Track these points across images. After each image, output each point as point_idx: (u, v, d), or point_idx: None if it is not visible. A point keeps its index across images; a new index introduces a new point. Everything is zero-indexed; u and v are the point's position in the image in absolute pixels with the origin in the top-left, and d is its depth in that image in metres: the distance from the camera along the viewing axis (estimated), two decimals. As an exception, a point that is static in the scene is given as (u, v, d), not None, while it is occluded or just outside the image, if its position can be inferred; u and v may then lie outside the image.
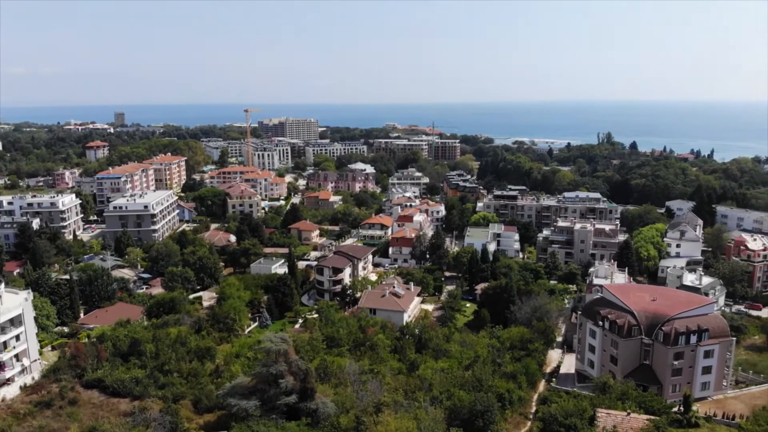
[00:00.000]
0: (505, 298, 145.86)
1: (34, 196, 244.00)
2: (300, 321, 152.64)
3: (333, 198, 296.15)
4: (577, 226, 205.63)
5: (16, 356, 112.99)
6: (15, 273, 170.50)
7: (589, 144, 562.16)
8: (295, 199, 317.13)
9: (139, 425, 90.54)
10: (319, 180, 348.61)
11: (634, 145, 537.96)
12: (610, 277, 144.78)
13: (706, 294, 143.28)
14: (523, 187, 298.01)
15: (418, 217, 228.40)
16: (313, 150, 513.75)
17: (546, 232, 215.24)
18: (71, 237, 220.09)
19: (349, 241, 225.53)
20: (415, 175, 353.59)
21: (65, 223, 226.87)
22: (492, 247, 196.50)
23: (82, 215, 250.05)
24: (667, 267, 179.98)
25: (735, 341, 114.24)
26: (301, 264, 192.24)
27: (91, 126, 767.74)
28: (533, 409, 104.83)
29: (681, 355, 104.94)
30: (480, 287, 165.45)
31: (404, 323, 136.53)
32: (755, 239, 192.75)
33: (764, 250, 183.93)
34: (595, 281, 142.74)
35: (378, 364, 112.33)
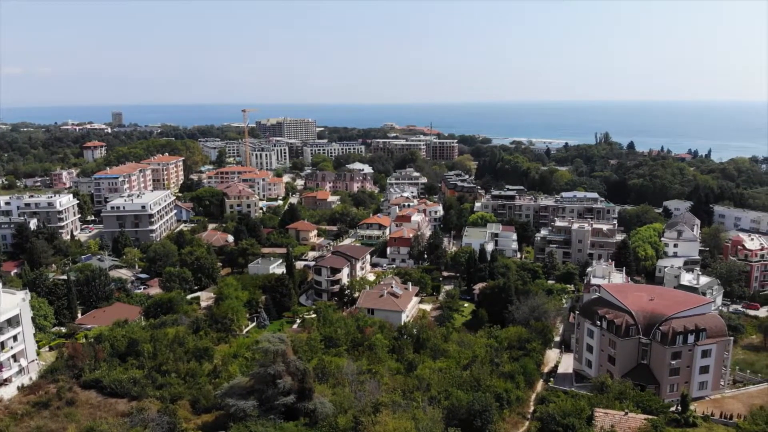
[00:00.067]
0: (503, 297, 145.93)
1: (32, 196, 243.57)
2: (298, 321, 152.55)
3: (331, 198, 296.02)
4: (575, 225, 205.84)
5: (14, 357, 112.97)
6: (12, 273, 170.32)
7: (587, 144, 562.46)
8: (293, 199, 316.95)
9: (136, 425, 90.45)
10: (317, 180, 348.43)
11: (631, 145, 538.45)
12: (607, 277, 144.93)
13: (704, 294, 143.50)
14: (521, 187, 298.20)
15: (416, 217, 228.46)
16: (311, 150, 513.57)
17: (544, 232, 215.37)
18: (69, 237, 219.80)
19: (347, 241, 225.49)
20: (413, 175, 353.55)
21: (63, 224, 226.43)
22: (490, 246, 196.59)
23: (79, 215, 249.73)
24: (665, 267, 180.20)
25: (732, 341, 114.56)
26: (299, 264, 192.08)
27: (88, 126, 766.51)
28: (531, 409, 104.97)
29: (678, 355, 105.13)
30: (478, 287, 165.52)
31: (402, 323, 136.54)
32: (752, 239, 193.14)
33: (761, 249, 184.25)
34: (593, 281, 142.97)
35: (376, 364, 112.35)
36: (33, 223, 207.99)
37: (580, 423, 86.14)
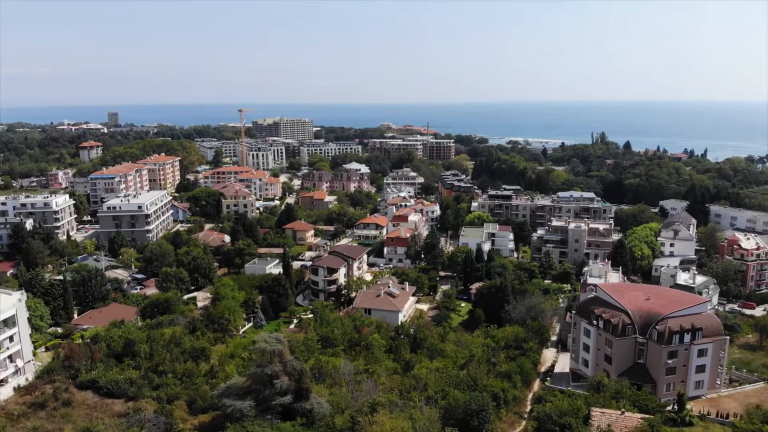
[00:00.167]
0: (500, 297, 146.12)
1: (28, 196, 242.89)
2: (295, 321, 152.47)
3: (328, 198, 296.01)
4: (572, 225, 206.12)
5: (10, 357, 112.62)
6: (8, 274, 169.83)
7: (583, 144, 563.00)
8: (290, 199, 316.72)
9: (133, 426, 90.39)
10: (313, 180, 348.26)
11: (627, 145, 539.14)
12: (604, 277, 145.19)
13: (700, 293, 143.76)
14: (518, 187, 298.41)
15: (413, 217, 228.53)
16: (308, 150, 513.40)
17: (540, 232, 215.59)
18: (65, 237, 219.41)
19: (344, 241, 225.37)
20: (410, 175, 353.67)
21: (59, 224, 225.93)
22: (487, 246, 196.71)
23: (75, 216, 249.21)
24: (661, 266, 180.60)
25: (728, 340, 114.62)
26: (296, 264, 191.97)
27: (84, 126, 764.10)
28: (528, 408, 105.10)
29: (675, 354, 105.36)
30: (475, 287, 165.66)
31: (399, 323, 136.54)
32: (748, 238, 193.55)
33: (757, 249, 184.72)
34: (590, 280, 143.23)
35: (373, 364, 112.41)
36: (29, 224, 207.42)
37: (577, 422, 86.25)
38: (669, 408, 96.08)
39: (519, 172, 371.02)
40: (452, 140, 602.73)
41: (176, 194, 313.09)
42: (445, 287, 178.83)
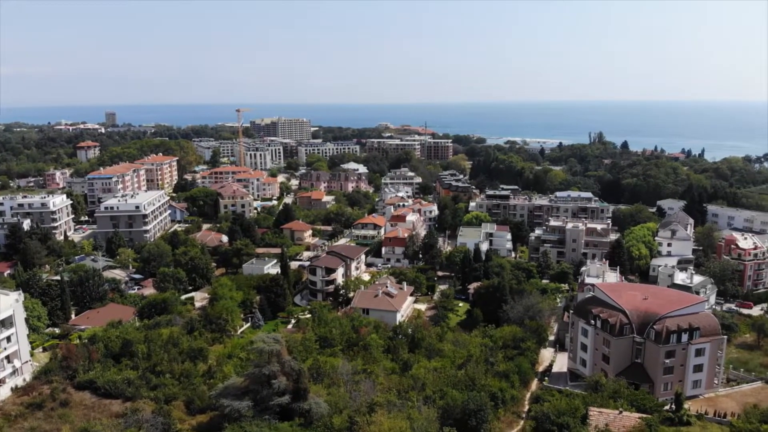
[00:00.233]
0: (498, 297, 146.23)
1: (25, 196, 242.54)
2: (293, 321, 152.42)
3: (326, 198, 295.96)
4: (569, 225, 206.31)
5: (7, 358, 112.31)
6: (5, 274, 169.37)
7: (581, 144, 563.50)
8: (288, 199, 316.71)
9: (131, 426, 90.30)
10: (311, 180, 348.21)
11: (625, 145, 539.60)
12: (601, 276, 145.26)
13: (697, 293, 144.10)
14: (515, 187, 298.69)
15: (411, 217, 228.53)
16: (306, 150, 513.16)
17: (538, 232, 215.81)
18: (62, 238, 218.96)
19: (341, 241, 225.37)
20: (407, 175, 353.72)
21: (56, 224, 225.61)
22: (484, 246, 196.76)
23: (73, 216, 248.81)
24: (659, 266, 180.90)
25: (726, 339, 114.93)
26: (294, 264, 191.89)
27: (81, 126, 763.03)
28: (526, 408, 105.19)
29: (672, 354, 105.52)
30: (473, 287, 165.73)
31: (397, 323, 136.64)
32: (746, 238, 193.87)
33: (754, 248, 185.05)
34: (587, 280, 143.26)
35: (371, 364, 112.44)
36: (26, 224, 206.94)
37: (575, 422, 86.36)
38: (666, 407, 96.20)
39: (517, 172, 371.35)
40: (450, 140, 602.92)
41: (174, 194, 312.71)
42: (443, 287, 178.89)
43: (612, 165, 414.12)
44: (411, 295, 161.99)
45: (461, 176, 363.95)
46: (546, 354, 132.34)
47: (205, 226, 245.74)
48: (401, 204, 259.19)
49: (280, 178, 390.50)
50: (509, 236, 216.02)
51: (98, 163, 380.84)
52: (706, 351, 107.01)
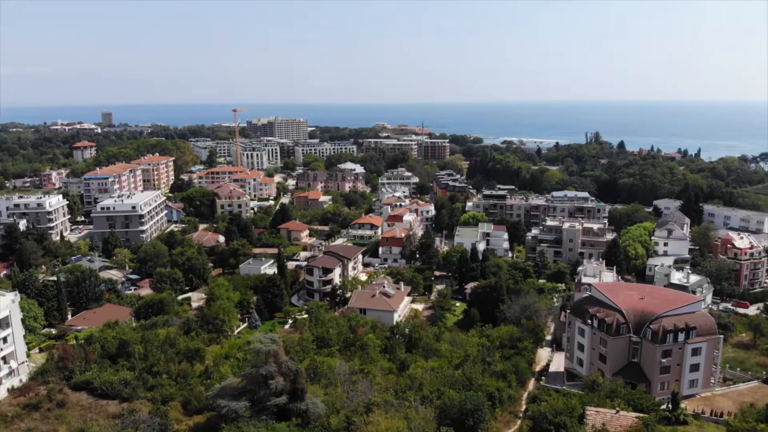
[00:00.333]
0: (495, 297, 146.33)
1: (21, 197, 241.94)
2: (290, 321, 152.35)
3: (322, 198, 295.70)
4: (566, 225, 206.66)
5: (4, 358, 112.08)
6: (2, 275, 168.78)
7: (578, 143, 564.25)
8: (285, 199, 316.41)
9: (128, 427, 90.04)
10: (308, 180, 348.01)
11: (621, 145, 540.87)
12: (598, 276, 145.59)
13: (694, 292, 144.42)
14: (512, 187, 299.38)
15: (408, 217, 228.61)
16: (303, 150, 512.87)
17: (535, 231, 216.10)
18: (58, 238, 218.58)
19: (338, 241, 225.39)
20: (404, 175, 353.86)
21: (52, 224, 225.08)
22: (481, 246, 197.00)
23: (69, 216, 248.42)
24: (655, 265, 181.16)
25: (722, 339, 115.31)
26: (291, 264, 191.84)
27: (78, 126, 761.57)
28: (523, 408, 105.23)
29: (669, 353, 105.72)
30: (470, 286, 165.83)
31: (394, 323, 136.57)
32: (742, 237, 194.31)
33: (750, 248, 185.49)
34: (584, 280, 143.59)
35: (368, 364, 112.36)
36: (22, 224, 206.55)
37: (572, 421, 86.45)
38: (663, 407, 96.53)
39: (513, 171, 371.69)
40: (447, 140, 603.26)
41: (170, 194, 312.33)
42: (440, 287, 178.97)
43: (608, 165, 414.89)
44: (408, 295, 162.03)
45: (458, 176, 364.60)
46: (543, 354, 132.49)
47: (201, 227, 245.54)
48: (398, 204, 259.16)
49: (277, 178, 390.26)
50: (506, 236, 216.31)
51: (94, 163, 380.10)
52: (703, 350, 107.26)
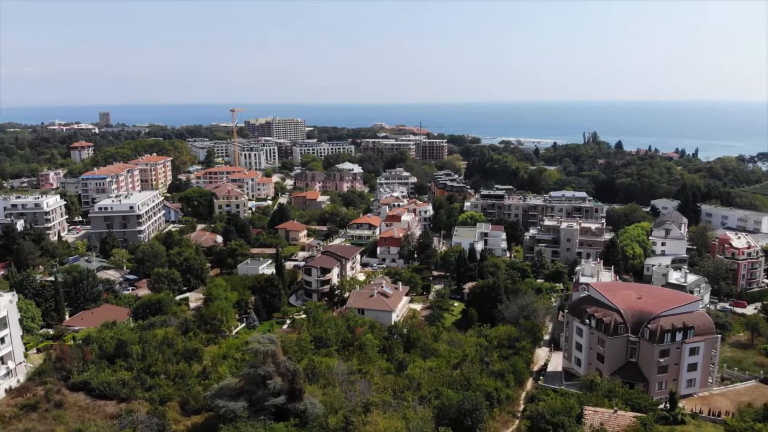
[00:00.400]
0: (493, 297, 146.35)
1: (19, 197, 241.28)
2: (288, 322, 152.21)
3: (321, 198, 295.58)
4: (564, 225, 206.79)
5: (1, 359, 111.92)
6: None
7: (575, 143, 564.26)
8: (283, 199, 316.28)
9: (126, 427, 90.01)
10: (306, 180, 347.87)
11: (619, 145, 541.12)
12: (596, 276, 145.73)
13: (691, 292, 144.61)
14: (510, 187, 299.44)
15: (406, 217, 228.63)
16: (301, 150, 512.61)
17: (533, 231, 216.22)
18: (56, 238, 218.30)
19: (337, 241, 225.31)
20: (402, 175, 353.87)
21: (50, 225, 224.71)
22: (479, 246, 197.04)
23: (66, 216, 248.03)
24: (653, 265, 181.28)
25: (720, 338, 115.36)
26: (289, 264, 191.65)
27: (75, 126, 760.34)
28: (521, 408, 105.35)
29: (667, 353, 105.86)
30: (468, 286, 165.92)
31: (392, 323, 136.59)
32: (739, 237, 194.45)
33: (748, 248, 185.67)
34: (582, 280, 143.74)
35: (366, 364, 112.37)
36: (20, 224, 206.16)
37: (570, 421, 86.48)
38: (661, 406, 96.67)
39: (511, 171, 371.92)
40: (445, 140, 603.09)
41: (168, 194, 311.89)
42: (438, 287, 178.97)
43: (606, 165, 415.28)
44: (406, 295, 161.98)
45: (456, 176, 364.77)
46: (541, 353, 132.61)
47: (199, 227, 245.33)
48: (396, 204, 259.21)
49: (275, 178, 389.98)
50: (504, 236, 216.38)
51: (92, 163, 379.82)
52: (701, 350, 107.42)
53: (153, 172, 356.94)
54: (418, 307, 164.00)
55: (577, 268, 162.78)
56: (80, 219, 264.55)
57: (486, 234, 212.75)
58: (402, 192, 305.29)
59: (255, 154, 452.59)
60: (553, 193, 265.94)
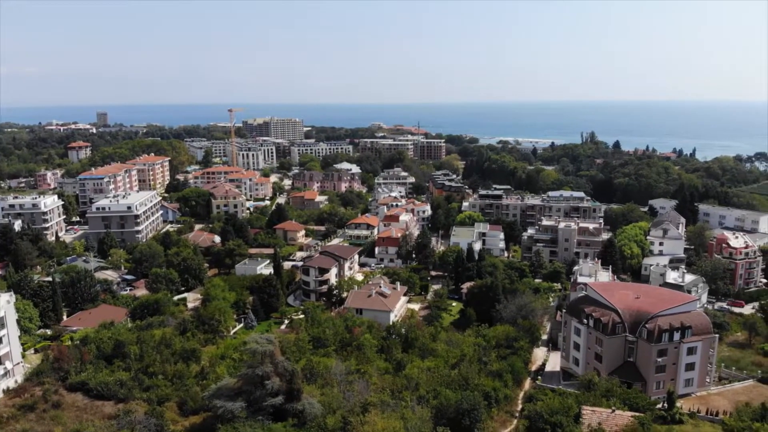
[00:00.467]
0: (491, 296, 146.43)
1: (16, 197, 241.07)
2: (286, 322, 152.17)
3: (319, 198, 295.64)
4: (562, 224, 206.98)
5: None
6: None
7: (573, 143, 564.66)
8: (281, 199, 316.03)
9: (123, 428, 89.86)
10: (304, 180, 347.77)
11: (617, 145, 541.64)
12: (594, 276, 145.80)
13: (689, 291, 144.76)
14: (508, 187, 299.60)
15: (404, 217, 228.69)
16: (299, 150, 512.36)
17: (531, 231, 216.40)
18: (53, 238, 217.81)
19: (335, 241, 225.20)
20: (401, 175, 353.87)
21: (47, 225, 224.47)
22: (477, 246, 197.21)
23: (64, 216, 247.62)
24: (651, 265, 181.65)
25: (717, 338, 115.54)
26: (287, 264, 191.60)
27: (73, 126, 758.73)
28: (519, 407, 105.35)
29: (664, 352, 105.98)
30: (466, 286, 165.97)
31: (391, 323, 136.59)
32: (737, 237, 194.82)
33: (746, 247, 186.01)
34: (580, 279, 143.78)
35: (364, 364, 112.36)
36: (17, 225, 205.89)
37: (568, 421, 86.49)
38: (659, 406, 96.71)
39: (509, 171, 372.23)
40: (443, 140, 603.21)
41: (166, 195, 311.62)
42: (436, 287, 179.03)
43: (604, 165, 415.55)
44: (404, 294, 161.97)
45: (454, 176, 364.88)
46: (539, 353, 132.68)
47: (197, 227, 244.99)
48: (394, 204, 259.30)
49: (273, 178, 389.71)
50: (502, 236, 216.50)
51: (90, 163, 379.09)
52: (698, 349, 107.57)
53: (151, 172, 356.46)
54: (416, 307, 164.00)
55: (575, 267, 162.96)
56: (78, 219, 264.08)
57: (484, 234, 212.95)
58: (400, 192, 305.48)
59: (253, 154, 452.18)
60: (551, 193, 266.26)
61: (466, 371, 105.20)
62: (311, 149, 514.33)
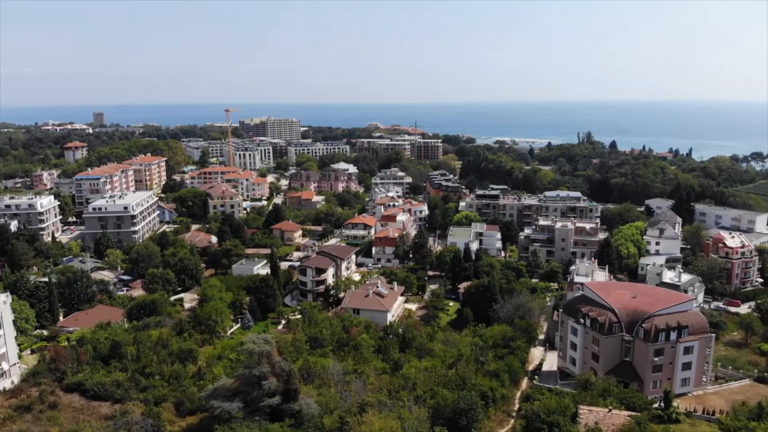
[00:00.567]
0: (488, 296, 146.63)
1: (12, 197, 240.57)
2: (283, 322, 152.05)
3: (316, 198, 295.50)
4: (558, 224, 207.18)
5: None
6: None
7: (570, 143, 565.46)
8: (278, 200, 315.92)
9: (120, 429, 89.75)
10: (301, 180, 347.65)
11: (613, 145, 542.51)
12: (590, 275, 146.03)
13: (686, 291, 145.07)
14: (505, 187, 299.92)
15: (401, 217, 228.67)
16: (296, 150, 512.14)
17: (527, 231, 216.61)
18: (50, 239, 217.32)
19: (332, 242, 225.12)
20: (398, 175, 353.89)
21: (43, 225, 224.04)
22: (474, 246, 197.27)
23: (60, 217, 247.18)
24: (647, 264, 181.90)
25: (714, 337, 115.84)
26: (284, 265, 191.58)
27: (69, 126, 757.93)
28: (516, 407, 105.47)
29: (661, 352, 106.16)
30: (463, 286, 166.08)
31: (388, 323, 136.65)
32: (733, 237, 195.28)
33: (742, 247, 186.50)
34: (576, 279, 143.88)
35: (362, 364, 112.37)
36: (13, 225, 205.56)
37: (565, 420, 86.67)
38: (656, 405, 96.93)
39: (506, 171, 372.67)
40: (440, 140, 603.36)
41: (162, 195, 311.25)
42: (433, 287, 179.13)
43: (600, 165, 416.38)
44: (401, 294, 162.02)
45: (451, 176, 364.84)
46: (536, 353, 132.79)
47: (194, 227, 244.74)
48: (391, 204, 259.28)
49: (270, 178, 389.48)
50: (499, 236, 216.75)
51: (86, 163, 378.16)
52: (695, 349, 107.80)
53: (147, 173, 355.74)
54: (413, 307, 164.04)
55: (572, 267, 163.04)
56: (74, 219, 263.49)
57: (481, 234, 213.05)
58: (397, 192, 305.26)
59: (250, 154, 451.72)
60: (547, 193, 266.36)
61: (463, 371, 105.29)
62: (308, 149, 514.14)
